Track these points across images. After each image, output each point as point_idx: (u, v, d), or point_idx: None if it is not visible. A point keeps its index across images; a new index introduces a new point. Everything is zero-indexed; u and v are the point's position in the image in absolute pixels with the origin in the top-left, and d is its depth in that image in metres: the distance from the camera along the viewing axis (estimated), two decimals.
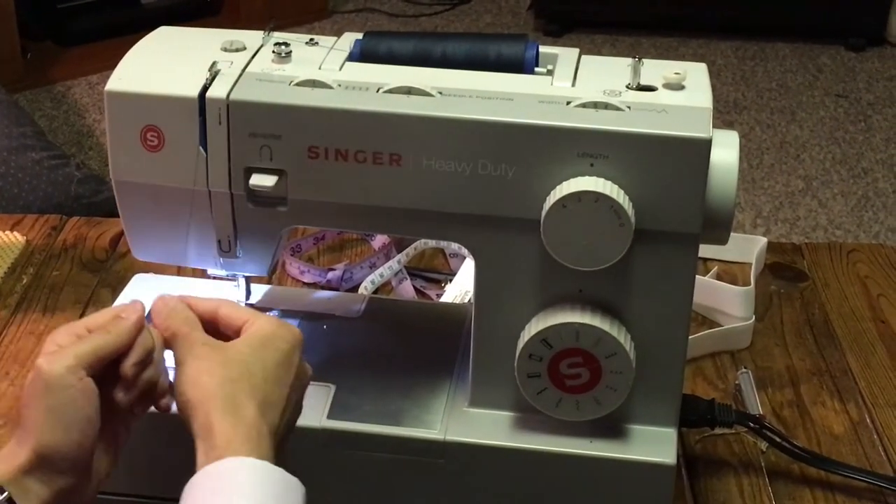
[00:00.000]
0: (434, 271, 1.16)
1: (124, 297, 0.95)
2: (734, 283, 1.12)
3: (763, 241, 1.17)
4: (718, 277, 1.13)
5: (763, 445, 0.94)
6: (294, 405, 0.73)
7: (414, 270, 1.15)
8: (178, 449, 0.69)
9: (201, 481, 0.65)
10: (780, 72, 3.21)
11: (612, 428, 0.81)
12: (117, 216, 0.82)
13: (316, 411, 0.82)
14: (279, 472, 0.66)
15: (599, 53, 0.81)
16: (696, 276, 0.80)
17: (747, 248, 1.16)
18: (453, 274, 1.14)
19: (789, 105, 3.03)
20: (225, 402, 0.68)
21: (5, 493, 0.66)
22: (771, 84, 3.14)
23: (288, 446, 0.72)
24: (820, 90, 3.11)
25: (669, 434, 0.81)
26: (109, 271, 1.15)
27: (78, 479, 0.69)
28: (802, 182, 2.69)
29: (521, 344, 0.78)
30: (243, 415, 0.67)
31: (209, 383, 0.69)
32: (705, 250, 0.78)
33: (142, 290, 0.95)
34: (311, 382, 0.84)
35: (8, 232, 1.20)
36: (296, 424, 0.74)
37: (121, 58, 0.80)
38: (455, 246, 1.15)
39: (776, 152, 2.80)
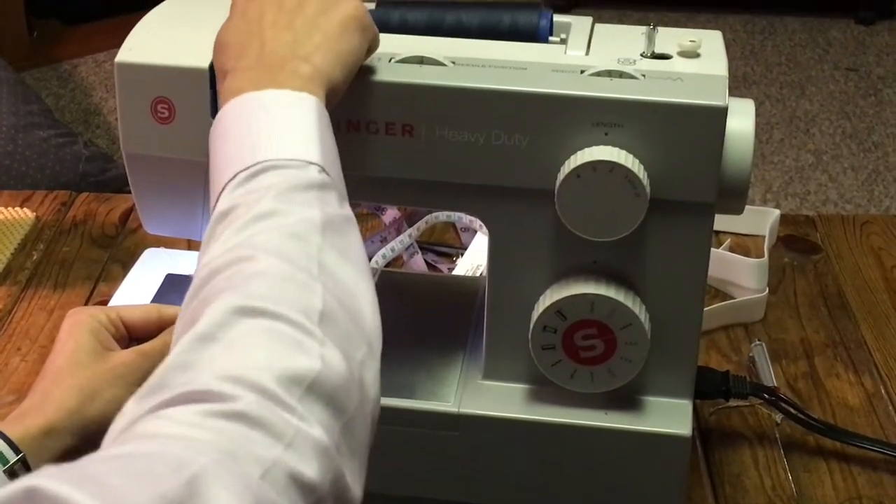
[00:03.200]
0: (445, 245, 1.16)
1: (135, 272, 0.94)
2: (747, 255, 1.12)
3: (776, 213, 1.16)
4: (731, 250, 1.12)
5: (778, 417, 0.94)
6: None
7: (425, 244, 1.15)
8: None
9: (215, 131, 0.64)
10: (790, 46, 3.19)
11: (626, 399, 0.81)
12: (125, 194, 0.82)
13: None
14: (284, 93, 0.64)
15: None
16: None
17: (760, 220, 1.15)
18: (464, 248, 1.13)
19: (799, 79, 3.01)
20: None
21: (21, 454, 0.66)
22: (780, 58, 3.12)
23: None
24: (829, 64, 3.10)
25: (684, 405, 0.81)
26: (120, 247, 1.15)
27: (88, 440, 0.70)
28: (812, 156, 2.67)
29: (535, 315, 0.78)
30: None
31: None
32: (718, 222, 0.77)
33: (152, 265, 0.95)
34: None
35: (17, 208, 1.20)
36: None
37: (127, 35, 0.79)
38: (466, 219, 1.15)
39: (786, 127, 2.79)
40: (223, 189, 0.60)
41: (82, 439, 0.69)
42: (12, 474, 0.66)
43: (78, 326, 0.73)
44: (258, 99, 0.63)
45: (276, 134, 0.61)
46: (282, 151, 0.60)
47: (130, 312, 0.76)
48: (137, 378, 0.71)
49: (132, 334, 0.76)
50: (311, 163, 0.61)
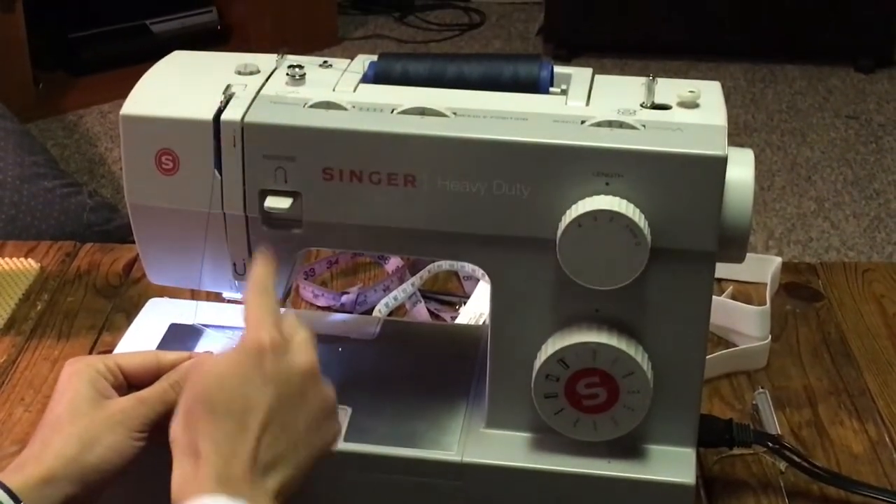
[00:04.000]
0: (448, 294, 1.16)
1: (139, 322, 0.95)
2: (749, 303, 1.12)
3: (778, 260, 1.16)
4: (733, 297, 1.13)
5: (782, 465, 0.94)
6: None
7: (428, 293, 1.15)
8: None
9: None
10: (790, 94, 3.21)
11: (629, 448, 0.81)
12: (130, 243, 0.82)
13: None
14: None
15: None
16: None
17: (762, 268, 1.16)
18: (467, 296, 1.13)
19: (800, 127, 3.03)
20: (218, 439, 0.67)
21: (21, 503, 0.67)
22: (781, 106, 3.14)
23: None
24: (830, 112, 3.11)
25: (688, 454, 0.81)
26: (124, 297, 1.15)
27: (87, 488, 0.70)
28: (814, 203, 2.68)
29: (537, 364, 0.78)
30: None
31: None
32: (720, 270, 0.78)
33: (156, 315, 0.95)
34: None
35: (22, 259, 1.21)
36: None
37: (132, 86, 0.80)
38: (469, 268, 1.15)
39: (787, 174, 2.80)
40: None
41: (82, 487, 0.69)
42: None
43: (76, 376, 0.74)
44: None
45: None
46: None
47: (128, 360, 0.77)
48: (136, 424, 0.72)
49: (131, 382, 0.76)
50: None
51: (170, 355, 0.78)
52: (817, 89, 3.23)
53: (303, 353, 0.70)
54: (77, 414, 0.71)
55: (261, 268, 0.74)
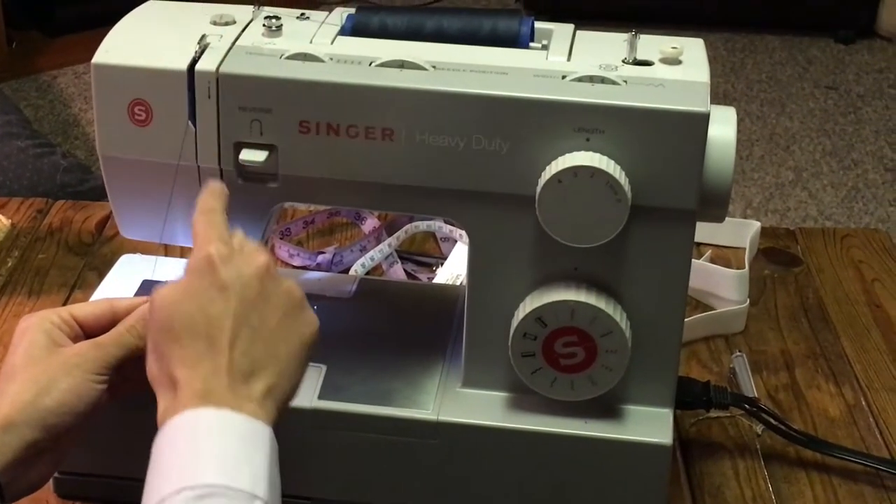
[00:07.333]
0: (425, 255, 1.15)
1: (111, 278, 0.93)
2: (728, 267, 1.11)
3: (757, 225, 1.16)
4: (712, 261, 1.12)
5: (758, 428, 0.93)
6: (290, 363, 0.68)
7: (405, 254, 1.14)
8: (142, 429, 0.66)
9: (167, 435, 0.64)
10: (770, 64, 3.20)
11: (607, 408, 0.80)
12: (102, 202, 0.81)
13: (307, 391, 0.80)
14: (242, 419, 0.64)
15: None
16: None
17: (741, 232, 1.15)
18: (444, 258, 1.12)
19: (779, 97, 3.03)
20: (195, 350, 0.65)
21: None
22: (761, 76, 3.13)
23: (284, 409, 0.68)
24: (810, 82, 3.11)
25: (665, 414, 0.80)
26: (96, 254, 1.14)
27: (48, 432, 0.69)
28: (792, 173, 2.68)
29: (515, 322, 0.77)
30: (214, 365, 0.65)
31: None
32: (699, 234, 0.77)
33: (128, 271, 0.94)
34: None
35: None
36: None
37: None
38: (447, 229, 1.14)
39: (766, 144, 2.80)
40: (167, 499, 0.60)
41: (43, 431, 0.68)
42: None
43: (30, 329, 0.73)
44: (216, 418, 0.63)
45: (230, 461, 0.62)
46: (233, 481, 0.61)
47: (83, 310, 0.75)
48: (93, 367, 0.71)
49: (87, 331, 0.75)
50: (257, 497, 0.61)
51: (124, 301, 0.76)
52: (797, 59, 3.23)
53: (254, 254, 0.69)
54: (32, 361, 0.70)
55: (209, 193, 0.72)
